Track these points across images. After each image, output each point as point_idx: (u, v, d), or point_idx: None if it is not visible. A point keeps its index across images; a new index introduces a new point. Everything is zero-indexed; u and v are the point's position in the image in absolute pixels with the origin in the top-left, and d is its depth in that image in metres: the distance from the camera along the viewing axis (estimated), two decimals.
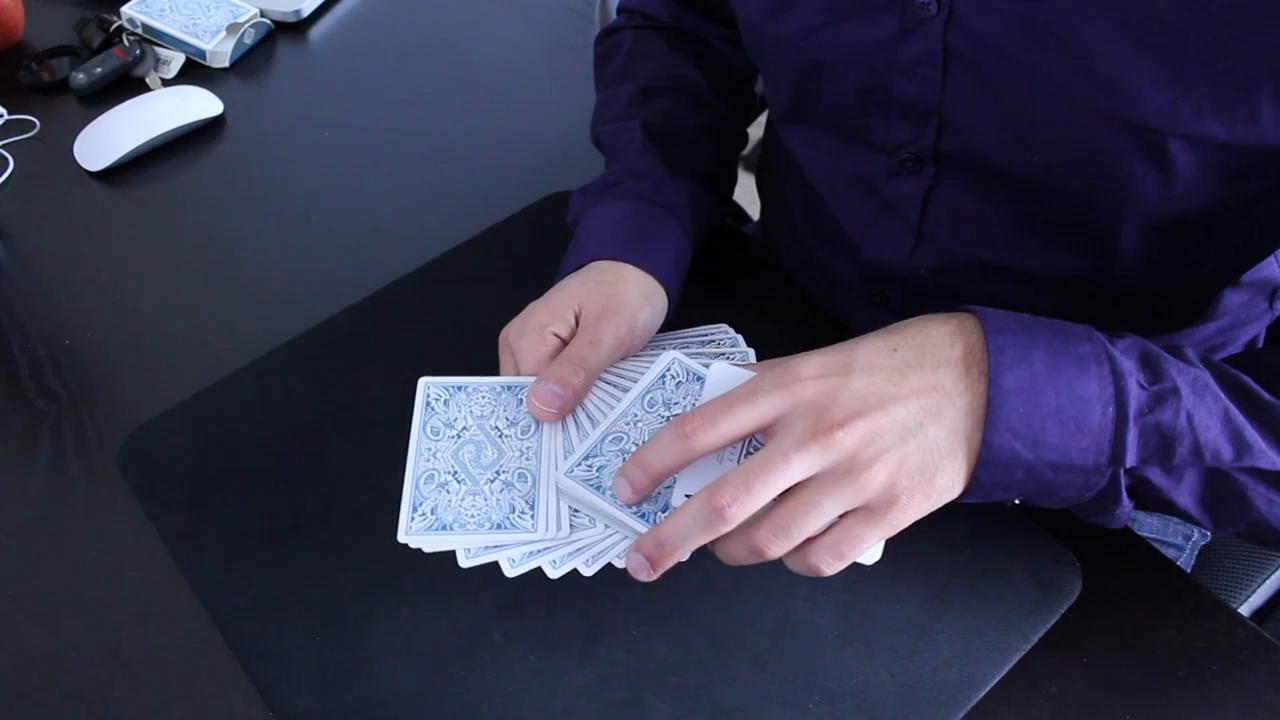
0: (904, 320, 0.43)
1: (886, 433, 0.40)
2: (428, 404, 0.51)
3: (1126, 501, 0.42)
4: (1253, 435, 0.41)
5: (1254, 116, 0.42)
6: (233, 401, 0.62)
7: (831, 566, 0.41)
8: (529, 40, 0.94)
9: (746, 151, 0.72)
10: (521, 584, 0.46)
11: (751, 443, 0.44)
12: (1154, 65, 0.42)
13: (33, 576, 0.56)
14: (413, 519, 0.47)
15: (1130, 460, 0.41)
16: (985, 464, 0.40)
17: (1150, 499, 0.43)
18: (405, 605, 0.52)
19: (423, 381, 0.51)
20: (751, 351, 0.56)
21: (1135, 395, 0.40)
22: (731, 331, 0.58)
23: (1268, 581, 0.71)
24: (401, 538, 0.46)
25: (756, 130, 0.86)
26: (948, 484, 0.41)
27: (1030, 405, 0.40)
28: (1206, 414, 0.41)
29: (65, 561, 0.56)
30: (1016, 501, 0.43)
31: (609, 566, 0.46)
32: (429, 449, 0.49)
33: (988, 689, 0.49)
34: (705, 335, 0.57)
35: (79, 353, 0.68)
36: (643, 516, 0.44)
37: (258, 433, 0.60)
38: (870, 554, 0.42)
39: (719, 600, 0.52)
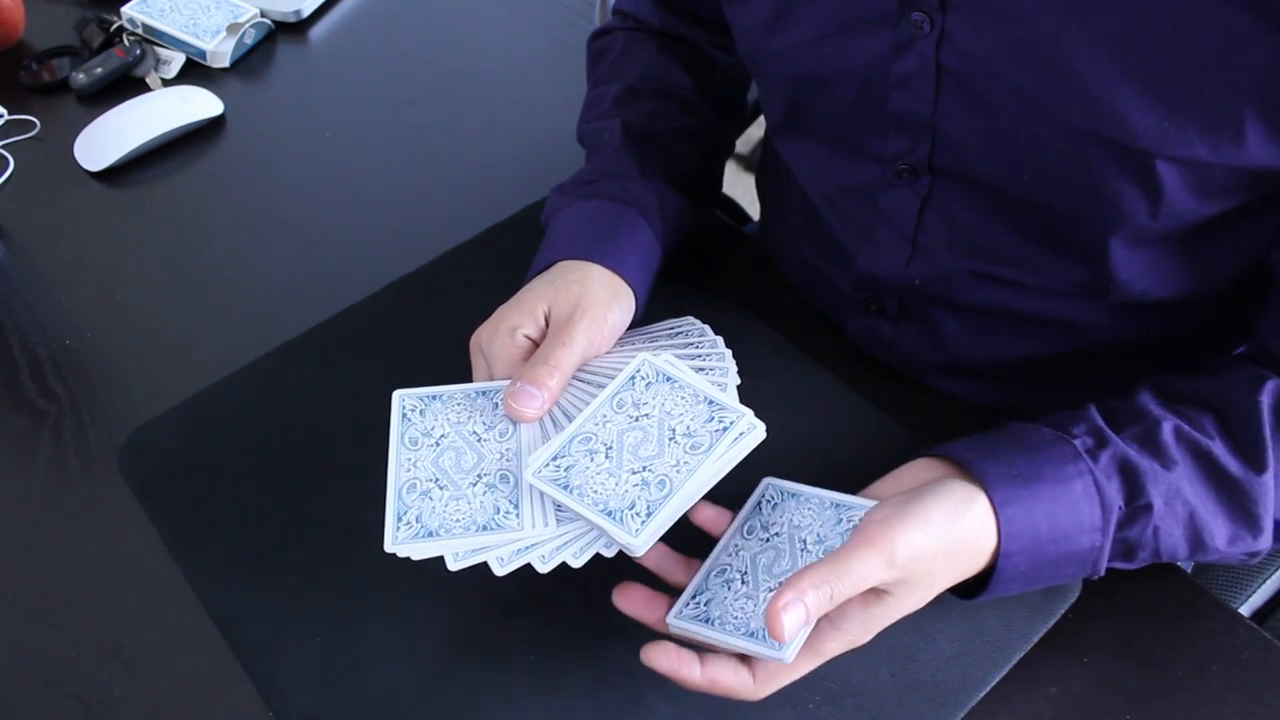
0: (929, 490, 0.45)
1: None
2: (404, 415, 0.51)
3: None
4: (1210, 534, 0.46)
5: (1239, 139, 0.43)
6: (233, 401, 0.62)
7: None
8: (529, 40, 0.94)
9: (747, 152, 0.72)
10: (521, 584, 0.46)
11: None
12: (1141, 89, 0.43)
13: (33, 576, 0.56)
14: (398, 528, 0.46)
15: (1101, 570, 0.46)
16: (984, 596, 0.47)
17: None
18: (405, 605, 0.52)
19: (397, 394, 0.51)
20: (720, 339, 0.54)
21: (1116, 521, 0.45)
22: (699, 323, 0.56)
23: (1268, 581, 0.71)
24: (389, 547, 0.46)
25: (758, 130, 0.86)
26: (939, 596, 0.46)
27: (1032, 563, 0.45)
28: (1173, 522, 0.46)
29: (65, 561, 0.56)
30: None
31: (599, 559, 0.46)
32: (409, 459, 0.49)
33: (988, 689, 0.49)
34: (673, 328, 0.57)
35: (79, 353, 0.68)
36: (610, 515, 0.44)
37: (258, 433, 0.60)
38: None
39: None
